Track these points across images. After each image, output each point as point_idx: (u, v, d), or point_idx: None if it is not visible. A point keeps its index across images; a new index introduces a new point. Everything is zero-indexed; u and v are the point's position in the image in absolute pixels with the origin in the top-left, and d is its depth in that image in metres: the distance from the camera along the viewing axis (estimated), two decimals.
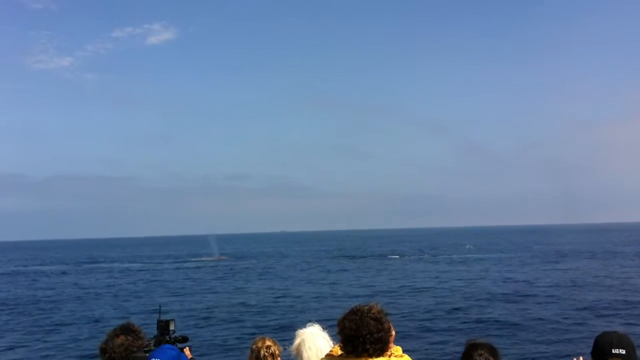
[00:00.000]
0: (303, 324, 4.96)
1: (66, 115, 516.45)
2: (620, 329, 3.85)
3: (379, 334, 3.80)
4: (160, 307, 5.64)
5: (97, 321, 33.04)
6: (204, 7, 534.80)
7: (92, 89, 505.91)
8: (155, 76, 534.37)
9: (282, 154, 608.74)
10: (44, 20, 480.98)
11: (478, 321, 28.67)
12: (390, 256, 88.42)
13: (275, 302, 40.12)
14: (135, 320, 4.64)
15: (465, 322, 28.52)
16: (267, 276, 61.72)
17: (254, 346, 5.04)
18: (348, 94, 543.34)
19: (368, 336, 3.78)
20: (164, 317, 4.93)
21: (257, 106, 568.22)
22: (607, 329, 3.84)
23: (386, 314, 3.96)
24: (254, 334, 24.39)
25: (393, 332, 3.95)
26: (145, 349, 4.30)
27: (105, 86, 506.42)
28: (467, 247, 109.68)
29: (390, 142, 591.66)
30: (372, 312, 3.88)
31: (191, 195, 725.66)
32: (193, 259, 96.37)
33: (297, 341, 4.88)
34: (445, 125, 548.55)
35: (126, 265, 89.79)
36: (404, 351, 3.83)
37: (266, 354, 4.97)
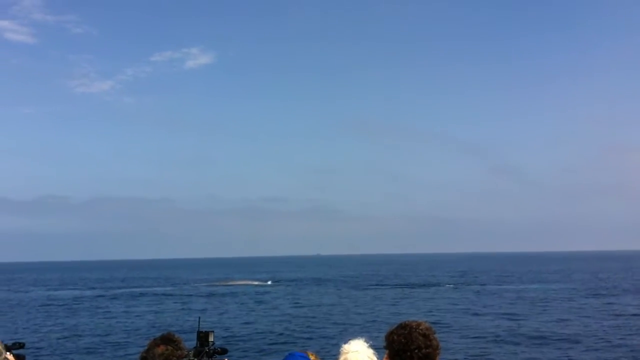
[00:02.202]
0: (346, 340, 4.81)
1: (106, 138, 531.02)
2: None
3: (427, 350, 3.82)
4: (199, 318, 5.63)
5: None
6: (241, 31, 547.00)
7: (131, 112, 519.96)
8: (193, 99, 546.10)
9: (319, 178, 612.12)
10: (86, 45, 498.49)
11: None
12: (431, 284, 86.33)
13: (315, 322, 39.82)
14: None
15: None
16: (304, 299, 61.42)
17: None
18: (383, 117, 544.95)
19: (416, 351, 3.79)
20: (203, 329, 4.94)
21: (294, 129, 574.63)
22: None
23: (434, 332, 4.00)
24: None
25: (440, 350, 3.92)
26: (185, 359, 4.32)
27: (144, 109, 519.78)
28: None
29: (426, 165, 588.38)
30: (421, 327, 3.92)
31: (228, 217, 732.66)
32: (229, 283, 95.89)
33: (341, 358, 4.74)
34: (481, 147, 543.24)
35: (161, 288, 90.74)
36: None
37: None
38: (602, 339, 32.10)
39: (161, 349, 4.24)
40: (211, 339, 4.92)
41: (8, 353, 4.70)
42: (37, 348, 31.47)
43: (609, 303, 51.70)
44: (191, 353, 4.60)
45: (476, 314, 45.76)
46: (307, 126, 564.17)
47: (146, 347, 4.33)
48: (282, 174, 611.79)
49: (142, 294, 73.63)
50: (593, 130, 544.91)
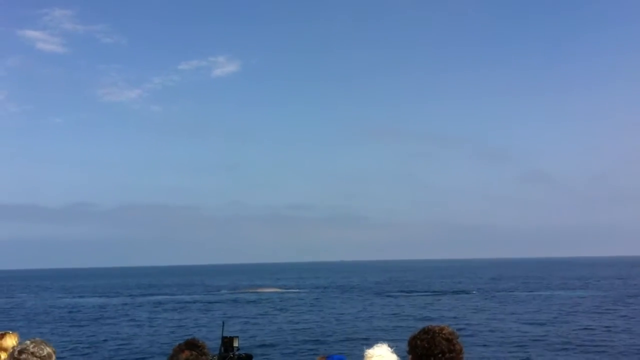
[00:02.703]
0: (370, 345, 4.81)
1: (134, 146, 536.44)
2: None
3: (451, 355, 3.81)
4: (223, 323, 5.68)
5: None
6: (267, 39, 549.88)
7: (158, 120, 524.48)
8: (220, 107, 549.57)
9: (344, 184, 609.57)
10: (114, 54, 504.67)
11: None
12: (457, 291, 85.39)
13: (338, 328, 39.70)
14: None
15: None
16: (328, 306, 61.28)
17: None
18: (409, 123, 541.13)
19: (440, 355, 3.78)
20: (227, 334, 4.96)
21: (320, 136, 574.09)
22: None
23: (457, 337, 3.96)
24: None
25: (463, 355, 3.91)
26: None
27: (171, 117, 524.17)
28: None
29: (453, 172, 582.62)
30: (444, 332, 3.91)
31: (253, 223, 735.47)
32: (254, 290, 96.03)
33: None
34: (509, 154, 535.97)
35: (186, 296, 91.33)
36: None
37: None
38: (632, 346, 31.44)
39: (186, 354, 4.28)
40: (236, 344, 4.90)
41: None
42: (60, 358, 31.88)
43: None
44: (215, 358, 4.62)
45: (501, 320, 45.15)
46: (333, 133, 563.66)
47: (171, 353, 4.38)
48: (307, 180, 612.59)
49: (165, 302, 74.29)
50: (624, 136, 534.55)
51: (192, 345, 4.40)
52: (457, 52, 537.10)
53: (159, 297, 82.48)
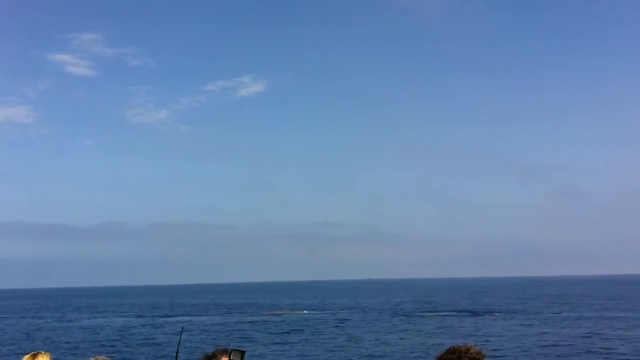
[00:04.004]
0: None
1: (163, 166, 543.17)
2: None
3: None
4: (182, 329, 6.53)
5: None
6: (291, 59, 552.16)
7: (186, 140, 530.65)
8: (247, 126, 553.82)
9: (373, 202, 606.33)
10: (143, 76, 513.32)
11: None
12: (493, 313, 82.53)
13: (359, 351, 38.87)
14: None
15: None
16: (351, 328, 60.35)
17: None
18: (438, 140, 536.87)
19: None
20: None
21: (349, 154, 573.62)
22: None
23: (484, 356, 3.98)
24: None
25: None
26: None
27: (199, 137, 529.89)
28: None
29: (482, 188, 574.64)
30: (471, 352, 3.91)
31: (283, 242, 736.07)
32: (277, 312, 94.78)
33: None
34: (540, 170, 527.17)
35: (208, 317, 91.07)
36: None
37: None
38: None
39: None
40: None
41: None
42: None
43: None
44: None
45: (525, 342, 44.06)
46: (362, 150, 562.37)
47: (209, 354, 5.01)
48: (337, 199, 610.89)
49: (182, 322, 74.12)
50: None
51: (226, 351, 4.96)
52: (485, 70, 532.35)
53: (179, 318, 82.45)
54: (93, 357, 4.55)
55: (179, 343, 5.47)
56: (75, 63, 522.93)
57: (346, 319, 74.40)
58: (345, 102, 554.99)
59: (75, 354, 44.37)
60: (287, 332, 58.89)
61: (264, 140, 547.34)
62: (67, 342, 53.28)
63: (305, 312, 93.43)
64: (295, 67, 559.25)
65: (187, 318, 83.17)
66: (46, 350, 6.17)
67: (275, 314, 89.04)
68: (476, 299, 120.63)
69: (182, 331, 6.07)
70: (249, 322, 74.19)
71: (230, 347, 5.15)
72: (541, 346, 43.21)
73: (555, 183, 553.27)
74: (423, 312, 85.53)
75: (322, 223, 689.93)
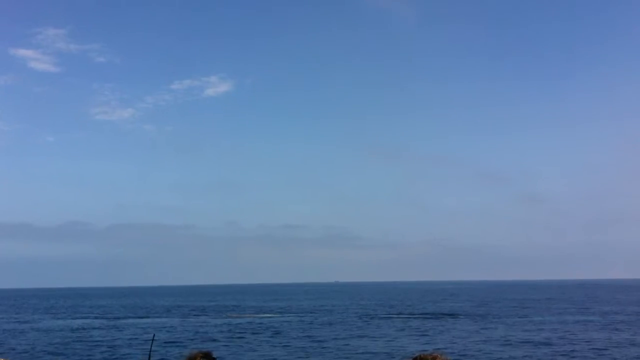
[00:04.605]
0: None
1: (128, 165, 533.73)
2: None
3: None
4: (154, 336, 5.51)
5: None
6: (259, 60, 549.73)
7: (151, 139, 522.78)
8: (213, 126, 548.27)
9: (339, 204, 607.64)
10: (108, 73, 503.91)
11: None
12: (449, 314, 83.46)
13: (324, 356, 38.08)
14: None
15: None
16: (316, 331, 59.55)
17: None
18: (406, 143, 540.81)
19: None
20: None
21: (315, 156, 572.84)
22: None
23: None
24: None
25: None
26: None
27: (164, 136, 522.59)
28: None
29: (448, 193, 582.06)
30: None
31: (248, 244, 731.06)
32: (241, 315, 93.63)
33: None
34: (505, 176, 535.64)
35: (167, 319, 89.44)
36: None
37: None
38: None
39: None
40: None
41: None
42: None
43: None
44: None
45: (494, 345, 43.65)
46: (328, 153, 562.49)
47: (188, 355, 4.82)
48: (302, 201, 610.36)
49: (142, 324, 72.31)
50: (618, 158, 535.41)
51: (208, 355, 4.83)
52: (460, 74, 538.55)
53: (139, 321, 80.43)
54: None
55: (150, 350, 5.65)
56: (39, 58, 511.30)
57: (311, 322, 73.54)
58: (311, 106, 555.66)
59: (30, 356, 42.59)
60: (251, 334, 57.75)
61: (230, 141, 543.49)
62: (20, 345, 51.18)
63: (270, 314, 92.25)
64: (264, 69, 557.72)
65: (147, 320, 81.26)
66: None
67: (239, 317, 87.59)
68: (441, 302, 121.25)
69: (153, 338, 6.30)
70: (213, 325, 72.70)
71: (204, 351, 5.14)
72: (506, 347, 43.15)
73: (518, 190, 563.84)
74: (389, 314, 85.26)
75: (288, 225, 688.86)
